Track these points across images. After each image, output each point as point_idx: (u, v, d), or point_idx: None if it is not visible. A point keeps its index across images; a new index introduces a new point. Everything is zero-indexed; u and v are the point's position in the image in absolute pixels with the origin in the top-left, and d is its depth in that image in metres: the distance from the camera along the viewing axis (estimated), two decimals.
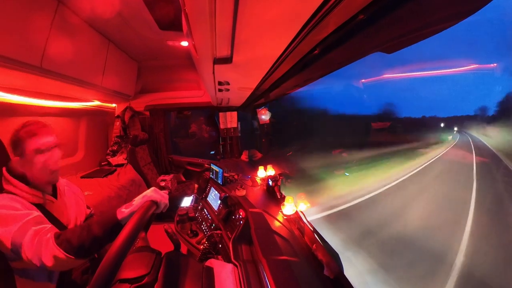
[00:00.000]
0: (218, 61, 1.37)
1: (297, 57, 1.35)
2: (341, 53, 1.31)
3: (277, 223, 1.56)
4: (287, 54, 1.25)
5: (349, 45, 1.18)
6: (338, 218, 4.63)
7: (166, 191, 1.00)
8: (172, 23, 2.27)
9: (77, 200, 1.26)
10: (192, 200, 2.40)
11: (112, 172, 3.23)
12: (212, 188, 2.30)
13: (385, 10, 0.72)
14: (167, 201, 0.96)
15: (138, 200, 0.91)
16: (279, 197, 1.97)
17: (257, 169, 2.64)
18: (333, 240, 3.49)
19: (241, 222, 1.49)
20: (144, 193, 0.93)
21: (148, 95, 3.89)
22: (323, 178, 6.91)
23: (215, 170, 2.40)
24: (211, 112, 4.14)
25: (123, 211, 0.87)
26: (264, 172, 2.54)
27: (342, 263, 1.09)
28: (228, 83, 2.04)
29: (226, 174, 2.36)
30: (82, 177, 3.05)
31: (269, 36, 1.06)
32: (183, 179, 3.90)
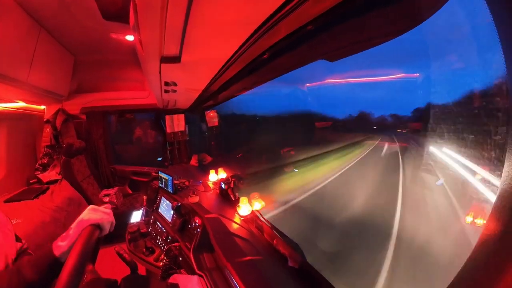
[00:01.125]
0: (165, 59, 1.29)
1: (247, 60, 1.39)
2: (289, 58, 1.43)
3: (235, 225, 1.57)
4: (237, 57, 1.28)
5: (296, 52, 1.30)
6: (293, 211, 4.98)
7: (111, 207, 0.86)
8: (118, 14, 1.97)
9: (3, 232, 0.96)
10: (143, 214, 2.20)
11: (44, 191, 2.68)
12: (163, 198, 2.15)
13: (331, 24, 0.83)
14: (112, 219, 0.81)
15: (74, 228, 0.73)
16: (233, 199, 1.99)
17: (208, 173, 2.59)
18: (291, 232, 3.74)
19: (198, 230, 1.44)
20: (80, 217, 0.76)
21: (85, 95, 3.27)
22: (274, 176, 7.27)
23: (164, 178, 2.24)
24: (156, 115, 3.80)
25: (60, 244, 0.70)
26: (216, 176, 2.51)
27: (303, 251, 1.19)
28: (175, 84, 1.93)
29: (176, 182, 2.24)
30: (6, 201, 2.43)
31: (221, 38, 1.06)
32: (130, 191, 3.51)
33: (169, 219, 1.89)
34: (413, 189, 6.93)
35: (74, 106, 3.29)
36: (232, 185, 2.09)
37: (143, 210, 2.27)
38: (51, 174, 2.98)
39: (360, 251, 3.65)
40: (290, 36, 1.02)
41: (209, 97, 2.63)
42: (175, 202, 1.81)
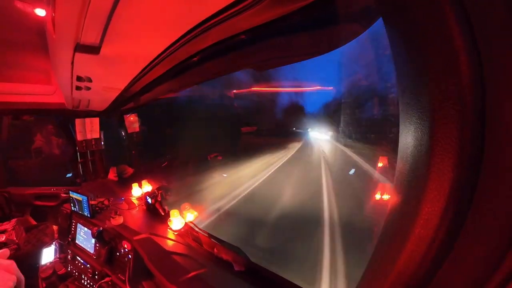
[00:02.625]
0: (81, 48, 1.07)
1: (175, 61, 1.33)
2: (218, 64, 1.45)
3: (170, 242, 1.47)
4: (165, 56, 1.20)
5: (227, 58, 1.34)
6: (229, 217, 4.98)
7: (9, 250, 0.58)
8: None
9: None
10: (56, 250, 1.82)
11: None
12: (79, 225, 1.82)
13: (262, 37, 0.91)
14: (14, 277, 0.51)
15: None
16: (163, 213, 1.86)
17: (130, 188, 2.34)
18: (230, 237, 3.81)
19: (130, 256, 1.28)
20: None
21: None
22: (203, 183, 7.12)
23: (77, 200, 1.88)
24: (64, 118, 2.94)
25: None
26: (140, 190, 2.29)
27: (246, 253, 1.23)
28: (90, 80, 1.61)
29: (93, 202, 1.92)
30: None
31: (150, 33, 0.97)
32: (34, 222, 2.60)
33: (92, 250, 1.63)
34: (334, 178, 8.58)
35: None
36: (159, 198, 1.96)
37: (55, 245, 1.89)
38: None
39: (300, 238, 4.18)
40: (222, 42, 1.04)
41: (129, 99, 2.31)
42: (96, 228, 1.57)
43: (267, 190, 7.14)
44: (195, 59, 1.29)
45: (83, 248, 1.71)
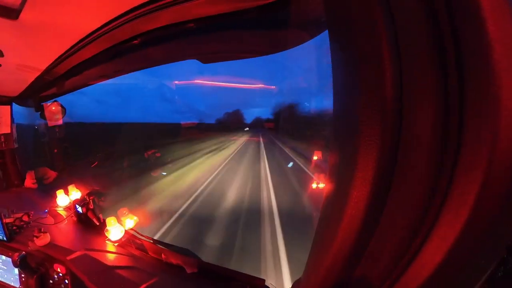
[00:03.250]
0: None
1: (113, 41, 1.24)
2: (162, 50, 1.42)
3: (111, 256, 1.39)
4: (101, 33, 1.11)
5: (172, 46, 1.33)
6: (171, 218, 4.83)
7: None
8: None
9: None
10: None
11: None
12: None
13: (213, 28, 0.94)
14: None
15: None
16: (98, 223, 1.74)
17: (55, 196, 2.11)
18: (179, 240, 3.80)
19: (66, 281, 1.18)
20: None
21: None
22: (141, 183, 6.71)
23: None
24: None
25: None
26: (67, 198, 2.09)
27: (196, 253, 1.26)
28: (1, 54, 1.36)
29: (8, 220, 1.63)
30: None
31: (86, 3, 0.88)
32: None
33: (16, 284, 1.40)
34: (274, 170, 9.43)
35: None
36: (91, 206, 1.83)
37: None
38: None
39: (246, 230, 4.52)
40: (169, 27, 1.03)
41: (52, 82, 2.01)
42: (16, 254, 1.33)
43: (210, 187, 7.22)
44: (136, 41, 1.23)
45: (4, 283, 1.46)
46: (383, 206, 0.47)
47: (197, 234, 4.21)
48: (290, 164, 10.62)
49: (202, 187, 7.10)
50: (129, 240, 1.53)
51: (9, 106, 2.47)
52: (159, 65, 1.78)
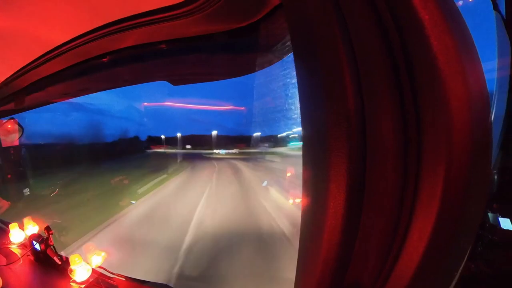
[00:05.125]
0: None
1: (81, 57, 1.29)
2: (132, 71, 1.46)
3: None
4: (69, 48, 1.16)
5: (142, 66, 1.38)
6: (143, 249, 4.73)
7: None
8: None
9: None
10: None
11: None
12: None
13: (183, 51, 1.03)
14: None
15: None
16: (59, 262, 1.69)
17: (7, 231, 2.04)
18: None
19: None
20: None
21: None
22: (110, 213, 6.57)
23: None
24: None
25: None
26: (22, 233, 2.04)
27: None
28: None
29: None
30: None
31: (56, 13, 0.92)
32: None
33: None
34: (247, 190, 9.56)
35: None
36: (51, 242, 1.77)
37: None
38: None
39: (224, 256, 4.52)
40: (139, 47, 1.10)
41: (9, 97, 2.00)
42: None
43: (180, 213, 7.15)
44: (104, 59, 1.30)
45: None
46: (360, 211, 0.54)
47: (172, 264, 4.19)
48: (265, 183, 11.24)
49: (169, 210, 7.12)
50: (98, 280, 1.49)
51: None
52: (127, 85, 1.79)
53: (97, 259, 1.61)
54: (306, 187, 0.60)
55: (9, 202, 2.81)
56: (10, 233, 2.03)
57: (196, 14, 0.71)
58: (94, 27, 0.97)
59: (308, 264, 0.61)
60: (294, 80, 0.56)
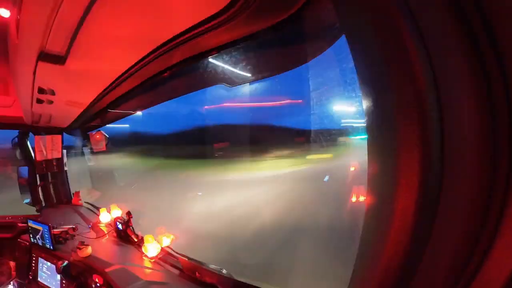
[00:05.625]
0: (45, 57, 1.00)
1: (145, 76, 1.31)
2: (189, 80, 1.46)
3: (147, 271, 1.37)
4: (134, 71, 1.18)
5: (197, 74, 1.36)
6: (207, 236, 4.68)
7: None
8: None
9: None
10: None
11: None
12: (41, 260, 1.63)
13: (232, 53, 0.95)
14: None
15: None
16: (136, 240, 1.74)
17: (98, 214, 2.19)
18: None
19: None
20: None
21: None
22: (178, 203, 6.75)
23: (36, 229, 1.67)
24: (21, 134, 2.60)
25: None
26: (109, 215, 2.12)
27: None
28: (53, 93, 1.50)
29: (56, 231, 1.71)
30: None
31: (119, 47, 0.95)
32: None
33: None
34: (308, 186, 8.56)
35: None
36: (131, 224, 1.84)
37: (13, 285, 1.74)
38: None
39: (284, 248, 4.12)
40: (193, 58, 1.06)
41: (95, 115, 2.19)
42: (60, 262, 1.39)
43: (245, 205, 6.97)
44: (165, 75, 1.29)
45: (47, 287, 1.53)
46: (433, 215, 0.38)
47: (231, 251, 4.02)
48: (326, 178, 9.80)
49: (235, 203, 6.83)
50: (165, 257, 1.51)
51: (60, 136, 2.69)
52: (187, 93, 1.83)
53: (166, 240, 1.63)
54: (371, 183, 0.45)
55: (100, 192, 3.03)
56: (100, 215, 2.17)
57: (238, 17, 0.66)
58: (149, 51, 0.96)
59: (365, 271, 0.47)
60: (352, 64, 0.41)
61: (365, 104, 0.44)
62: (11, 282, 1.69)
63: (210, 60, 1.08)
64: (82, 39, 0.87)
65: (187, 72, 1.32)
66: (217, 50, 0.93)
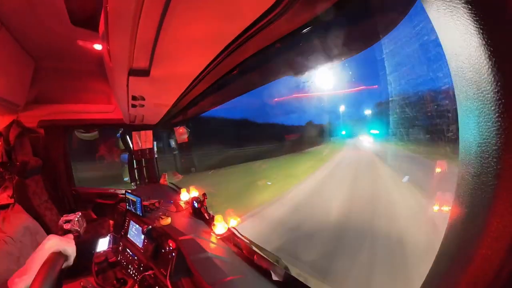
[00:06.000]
0: (134, 72, 1.24)
1: (217, 76, 1.42)
2: (258, 74, 1.49)
3: (212, 245, 1.51)
4: (207, 72, 1.29)
5: (265, 68, 1.37)
6: (270, 224, 4.82)
7: (72, 235, 0.77)
8: (88, 20, 1.83)
9: None
10: (110, 241, 2.03)
11: None
12: (132, 222, 1.99)
13: (296, 42, 0.91)
14: (73, 247, 0.75)
15: (33, 261, 0.64)
16: (207, 218, 1.92)
17: (179, 193, 2.49)
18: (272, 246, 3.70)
19: (173, 254, 1.35)
20: (41, 245, 0.68)
21: (44, 106, 2.82)
22: (248, 190, 7.14)
23: (132, 200, 2.07)
24: (123, 131, 3.48)
25: (17, 281, 0.59)
26: (188, 195, 2.40)
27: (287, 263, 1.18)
28: (143, 98, 1.84)
29: (145, 203, 2.08)
30: None
31: (191, 53, 1.07)
32: (94, 216, 3.15)
33: (140, 245, 1.76)
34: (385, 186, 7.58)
35: (31, 118, 2.84)
36: (205, 204, 2.03)
37: (110, 236, 2.10)
38: (2, 197, 2.53)
39: (345, 251, 3.75)
40: (259, 53, 1.07)
41: (178, 113, 2.56)
42: (145, 226, 1.70)
43: (314, 197, 6.67)
44: (235, 72, 1.36)
45: (133, 242, 1.86)
46: None
47: (292, 243, 3.98)
48: (406, 179, 8.23)
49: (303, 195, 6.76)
50: (230, 236, 1.62)
51: (151, 131, 3.39)
52: (257, 87, 1.88)
53: (233, 222, 1.73)
54: (460, 189, 0.34)
55: (182, 176, 3.55)
56: (181, 194, 2.47)
57: (294, 5, 0.58)
58: (219, 51, 1.02)
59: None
60: (435, 36, 0.31)
61: (456, 86, 0.33)
62: (109, 235, 2.13)
63: (276, 52, 1.06)
64: (160, 52, 1.01)
65: (255, 67, 1.34)
66: (281, 42, 0.91)
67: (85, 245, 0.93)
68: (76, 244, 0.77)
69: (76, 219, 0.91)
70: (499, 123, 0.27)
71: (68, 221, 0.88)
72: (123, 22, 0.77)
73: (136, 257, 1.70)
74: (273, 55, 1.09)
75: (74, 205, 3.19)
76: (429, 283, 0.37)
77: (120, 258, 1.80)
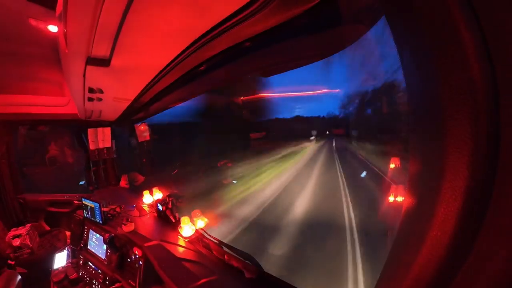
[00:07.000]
0: (92, 61, 1.11)
1: (183, 70, 1.36)
2: (226, 71, 1.47)
3: (180, 249, 1.47)
4: (173, 66, 1.23)
5: (234, 66, 1.35)
6: (238, 222, 4.89)
7: (24, 252, 0.65)
8: None
9: None
10: (68, 255, 1.89)
11: None
12: (91, 231, 1.86)
13: (267, 42, 0.92)
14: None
15: None
16: (173, 220, 1.87)
17: (141, 195, 2.37)
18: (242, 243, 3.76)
19: (140, 262, 1.28)
20: None
21: None
22: (213, 190, 7.11)
23: (89, 206, 1.93)
24: (77, 128, 3.05)
25: None
26: (151, 197, 2.32)
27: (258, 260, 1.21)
28: (101, 91, 1.67)
29: (105, 209, 1.96)
30: None
31: (157, 45, 1.00)
32: (47, 227, 2.72)
33: (103, 256, 1.66)
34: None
35: None
36: (170, 206, 1.97)
37: (68, 250, 1.96)
38: None
39: (313, 243, 4.13)
40: (228, 50, 1.06)
41: (140, 109, 2.38)
42: (107, 234, 1.61)
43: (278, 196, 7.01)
44: (202, 67, 1.32)
45: (95, 253, 1.74)
46: (478, 227, 0.32)
47: (260, 240, 4.10)
48: (364, 174, 9.49)
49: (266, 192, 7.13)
50: (198, 238, 1.60)
51: (109, 128, 3.08)
52: (224, 84, 1.90)
53: (200, 223, 1.71)
54: (412, 184, 0.40)
55: (144, 177, 3.32)
56: (143, 196, 2.35)
57: (270, 4, 0.59)
58: (186, 46, 0.99)
59: (393, 278, 0.41)
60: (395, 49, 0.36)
61: (409, 94, 0.39)
62: (66, 248, 1.96)
63: (245, 51, 1.06)
64: (123, 41, 0.94)
65: (223, 64, 1.31)
66: (251, 41, 0.91)
67: (40, 263, 0.80)
68: (30, 263, 0.65)
69: (26, 232, 0.77)
70: (443, 128, 0.32)
71: (17, 236, 0.74)
72: (85, 3, 0.69)
73: (99, 270, 1.59)
74: (242, 53, 1.09)
75: (22, 215, 2.69)
76: (389, 264, 0.43)
77: (82, 273, 1.68)
